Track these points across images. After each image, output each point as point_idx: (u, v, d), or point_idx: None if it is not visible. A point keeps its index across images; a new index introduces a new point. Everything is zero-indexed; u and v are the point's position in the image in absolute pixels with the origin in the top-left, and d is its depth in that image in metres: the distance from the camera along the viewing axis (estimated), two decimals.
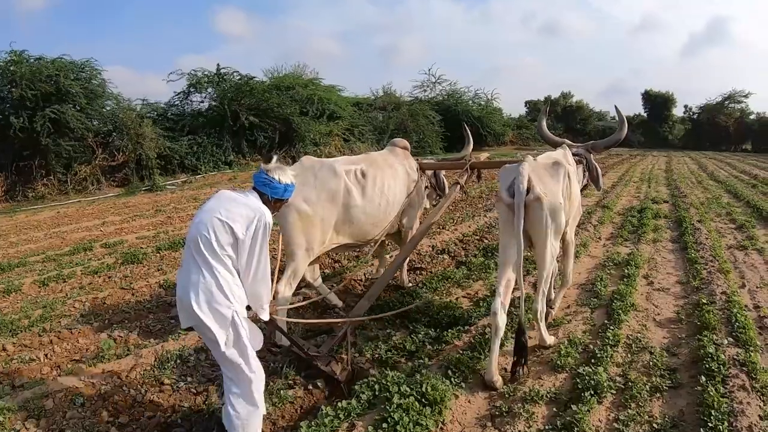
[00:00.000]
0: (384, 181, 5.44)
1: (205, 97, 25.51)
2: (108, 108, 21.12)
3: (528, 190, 3.99)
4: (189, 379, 4.57)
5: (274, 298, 4.49)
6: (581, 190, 5.48)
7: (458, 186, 6.14)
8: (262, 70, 35.63)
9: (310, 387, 4.32)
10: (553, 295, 5.66)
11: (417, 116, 31.62)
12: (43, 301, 6.86)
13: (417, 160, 6.22)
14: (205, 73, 25.06)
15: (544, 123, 6.19)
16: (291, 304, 5.04)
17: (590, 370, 4.22)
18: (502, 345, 4.43)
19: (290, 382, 4.41)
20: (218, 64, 25.29)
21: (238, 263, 3.18)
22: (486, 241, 9.28)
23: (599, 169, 5.63)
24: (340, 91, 33.70)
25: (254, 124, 24.45)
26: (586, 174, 5.60)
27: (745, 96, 51.28)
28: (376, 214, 5.35)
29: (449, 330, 5.25)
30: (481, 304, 6.02)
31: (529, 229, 4.11)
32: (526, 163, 4.19)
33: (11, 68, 18.08)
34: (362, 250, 8.01)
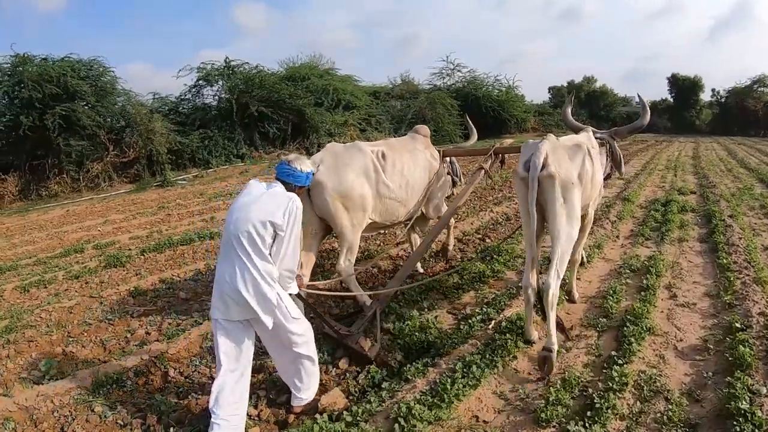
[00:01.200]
0: (403, 164, 5.55)
1: (216, 91, 24.83)
2: (119, 105, 20.51)
3: (543, 167, 3.99)
4: (119, 407, 4.06)
5: (339, 275, 5.28)
6: (605, 179, 5.47)
7: (482, 171, 6.17)
8: (278, 62, 34.79)
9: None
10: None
11: (435, 104, 30.35)
12: (14, 310, 6.39)
13: (438, 149, 6.25)
14: (215, 66, 24.34)
15: (569, 110, 6.16)
16: (314, 284, 5.20)
17: (582, 430, 3.23)
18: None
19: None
20: (227, 57, 24.53)
21: (273, 248, 3.40)
22: (488, 240, 8.19)
23: (621, 155, 5.59)
24: (357, 81, 32.87)
25: (265, 115, 23.70)
26: (609, 159, 5.57)
27: None
28: (398, 193, 5.48)
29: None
30: (465, 323, 5.01)
31: (543, 205, 4.13)
32: (547, 140, 4.20)
33: (18, 69, 17.62)
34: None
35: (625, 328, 4.62)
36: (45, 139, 17.50)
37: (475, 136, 6.96)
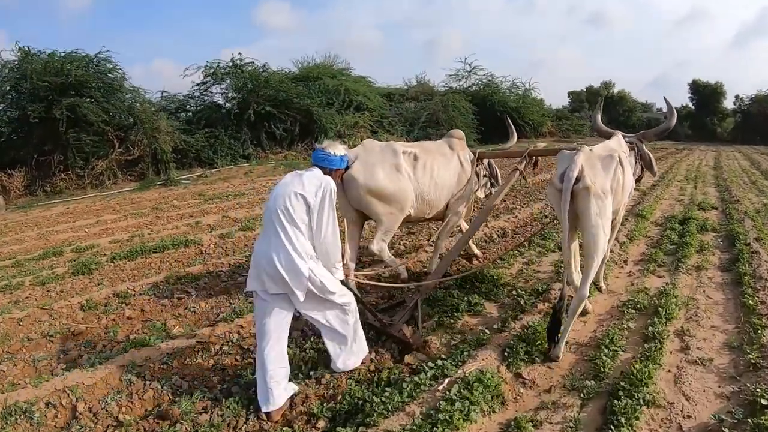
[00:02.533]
0: (434, 167, 5.70)
1: (224, 89, 24.22)
2: (127, 102, 19.93)
3: (578, 179, 4.04)
4: None
5: (373, 254, 5.59)
6: (636, 180, 5.60)
7: (517, 172, 6.09)
8: (292, 61, 34.09)
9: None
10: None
11: (449, 107, 29.12)
12: None
13: (474, 151, 6.29)
14: (221, 64, 23.65)
15: (599, 116, 6.19)
16: (362, 272, 5.39)
17: None
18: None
19: None
20: (233, 55, 23.81)
21: (310, 228, 3.50)
22: (474, 263, 7.04)
23: (652, 156, 5.62)
24: (371, 82, 31.87)
25: (272, 115, 23.01)
26: (639, 162, 5.62)
27: None
28: (426, 193, 5.64)
29: None
30: (410, 379, 3.87)
31: (578, 215, 4.15)
32: (582, 152, 4.24)
33: (24, 65, 17.25)
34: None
35: (616, 402, 3.49)
36: (53, 134, 17.20)
37: (514, 138, 6.94)
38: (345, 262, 3.84)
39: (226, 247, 8.44)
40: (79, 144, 17.50)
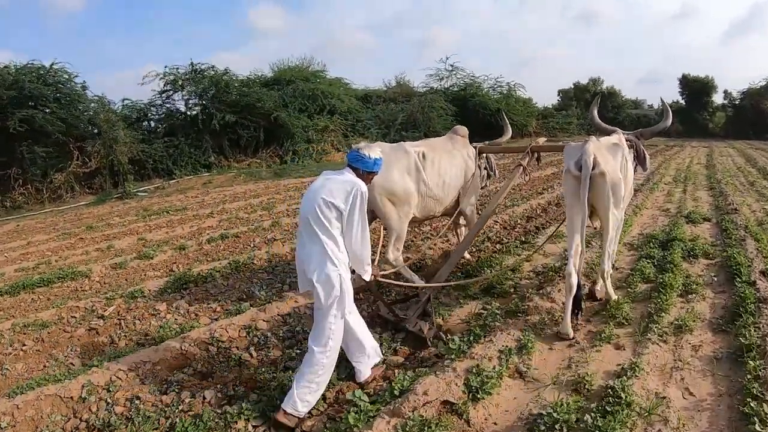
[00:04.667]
0: (441, 164, 5.63)
1: (186, 96, 22.06)
2: (89, 112, 18.49)
3: (594, 166, 4.15)
4: None
5: (386, 263, 5.35)
6: None
7: (521, 168, 5.99)
8: (269, 64, 31.98)
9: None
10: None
11: (427, 108, 26.75)
12: None
13: (475, 146, 6.22)
14: (180, 71, 21.55)
15: (596, 113, 5.98)
16: (383, 271, 4.94)
17: None
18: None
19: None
20: (192, 60, 21.79)
21: (342, 232, 3.39)
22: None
23: (646, 153, 5.56)
24: (348, 83, 29.64)
25: (234, 121, 21.03)
26: (635, 157, 5.43)
27: None
28: (435, 191, 5.55)
29: None
30: None
31: (593, 200, 4.30)
32: (591, 142, 4.36)
33: None
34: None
35: None
36: (8, 147, 16.19)
37: (509, 133, 6.85)
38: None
39: (108, 282, 7.03)
40: (33, 156, 16.23)
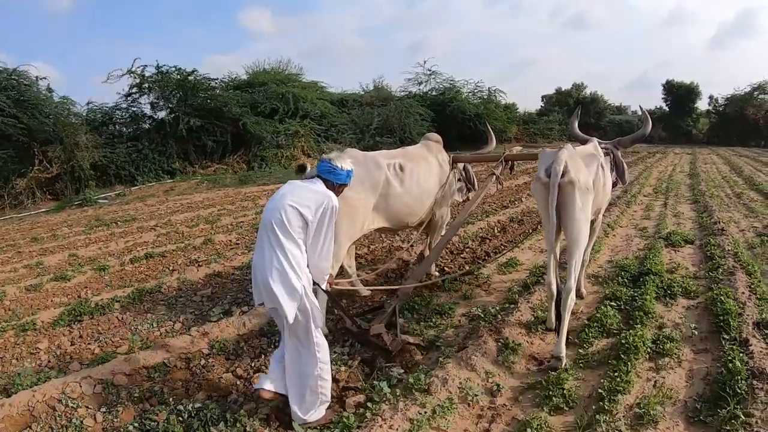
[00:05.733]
0: (420, 174, 5.33)
1: (153, 99, 20.71)
2: (53, 116, 17.44)
3: (563, 174, 3.92)
4: None
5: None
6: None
7: (494, 177, 5.84)
8: (243, 67, 30.69)
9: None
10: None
11: (404, 113, 25.39)
12: None
13: (452, 153, 5.97)
14: (145, 71, 20.08)
15: (576, 124, 5.69)
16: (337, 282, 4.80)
17: None
18: None
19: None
20: (157, 62, 20.26)
21: (306, 242, 3.17)
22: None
23: (625, 164, 5.20)
24: (324, 87, 28.27)
25: (200, 126, 19.77)
26: (613, 168, 5.10)
27: None
28: (413, 203, 5.28)
29: None
30: None
31: (561, 209, 4.00)
32: (565, 149, 4.13)
33: None
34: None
35: None
36: None
37: (493, 143, 6.36)
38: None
39: (13, 309, 5.96)
40: None
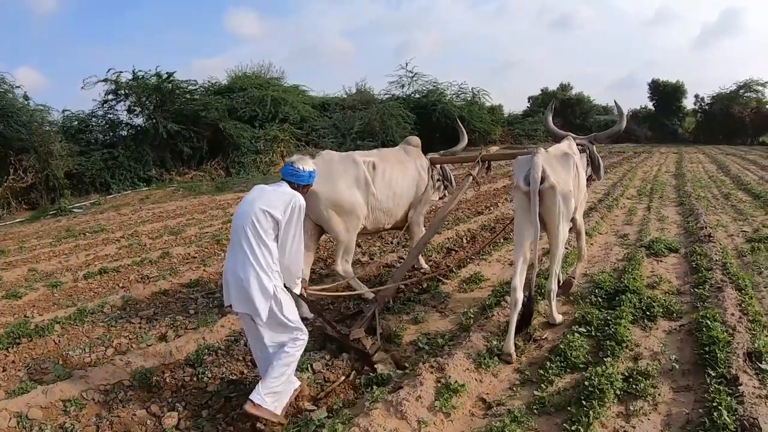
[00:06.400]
0: (392, 175, 5.31)
1: (129, 105, 19.93)
2: (29, 125, 16.71)
3: (543, 179, 3.93)
4: None
5: (337, 275, 5.20)
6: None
7: (470, 177, 5.62)
8: (226, 71, 29.95)
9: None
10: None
11: (386, 116, 24.67)
12: None
13: (429, 155, 5.89)
14: (121, 77, 19.32)
15: (550, 118, 5.74)
16: (319, 286, 5.05)
17: None
18: None
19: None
20: (134, 67, 19.57)
21: (278, 243, 3.24)
22: None
23: (601, 160, 5.19)
24: (306, 90, 27.56)
25: (177, 132, 19.09)
26: (589, 164, 5.15)
27: (762, 85, 41.72)
28: (385, 203, 5.25)
29: None
30: None
31: (543, 214, 4.02)
32: (540, 154, 4.11)
33: None
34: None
35: None
36: None
37: (464, 141, 6.19)
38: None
39: None
40: None
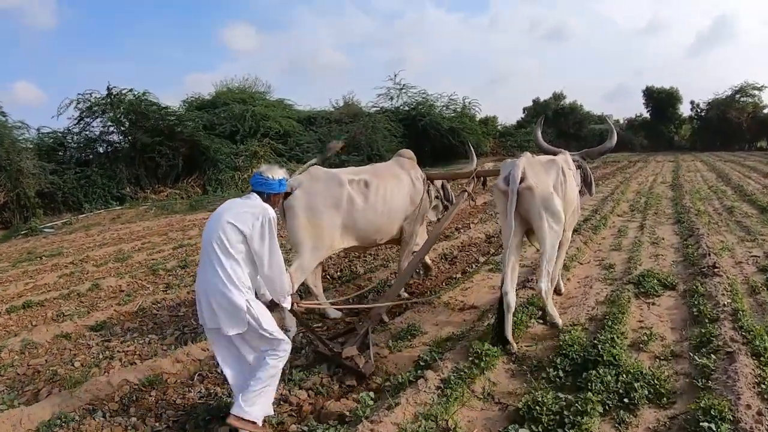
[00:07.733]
0: (386, 190, 5.10)
1: (104, 123, 19.01)
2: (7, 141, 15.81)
3: (521, 180, 3.88)
4: None
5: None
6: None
7: (465, 194, 5.57)
8: (213, 85, 28.97)
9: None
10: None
11: (371, 129, 23.41)
12: None
13: (425, 171, 5.71)
14: (96, 97, 18.45)
15: (539, 133, 5.73)
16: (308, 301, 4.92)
17: None
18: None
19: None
20: (108, 84, 18.43)
21: (252, 257, 3.07)
22: None
23: (593, 176, 5.10)
24: (291, 105, 26.44)
25: (152, 148, 18.26)
26: (581, 181, 4.97)
27: (759, 89, 40.43)
28: (378, 220, 5.04)
29: None
30: None
31: (525, 215, 4.00)
32: (523, 157, 4.12)
33: None
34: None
35: None
36: None
37: (474, 163, 6.00)
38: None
39: None
40: None
